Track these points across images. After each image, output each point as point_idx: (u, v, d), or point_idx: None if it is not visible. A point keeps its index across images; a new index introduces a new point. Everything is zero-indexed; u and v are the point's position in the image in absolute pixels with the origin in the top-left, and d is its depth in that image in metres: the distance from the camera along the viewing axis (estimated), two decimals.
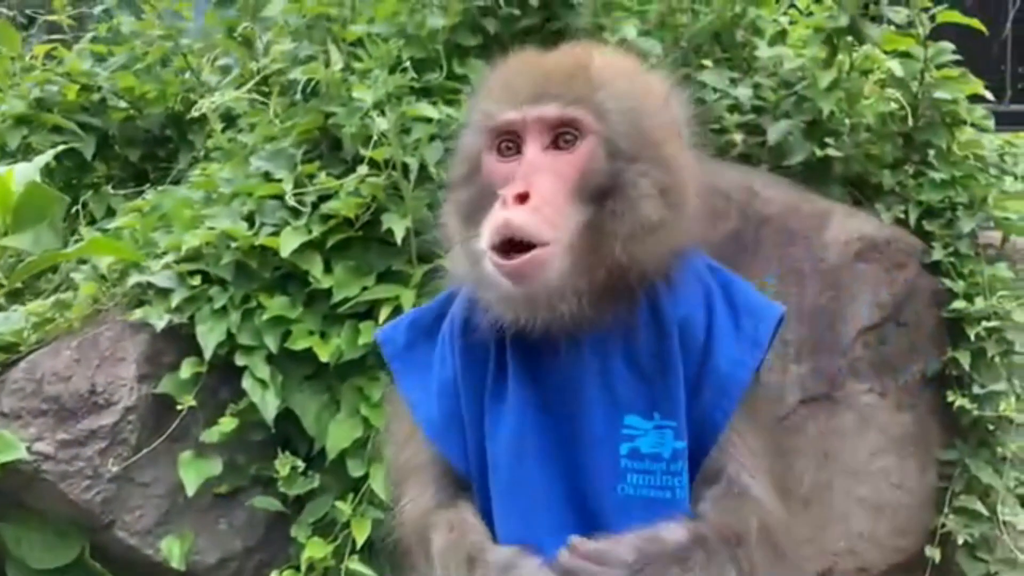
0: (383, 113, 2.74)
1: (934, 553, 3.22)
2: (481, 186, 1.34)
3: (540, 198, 1.25)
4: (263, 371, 2.72)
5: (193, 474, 2.69)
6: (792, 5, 3.85)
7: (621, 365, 1.35)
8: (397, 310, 2.72)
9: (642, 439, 1.33)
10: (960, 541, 3.17)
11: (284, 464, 2.68)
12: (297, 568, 2.69)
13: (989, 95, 3.38)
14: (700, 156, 1.46)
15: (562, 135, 1.31)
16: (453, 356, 1.42)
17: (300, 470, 2.71)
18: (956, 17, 3.33)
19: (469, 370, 1.40)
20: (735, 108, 3.50)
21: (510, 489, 1.36)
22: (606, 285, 1.31)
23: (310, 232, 2.79)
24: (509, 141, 1.33)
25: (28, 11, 4.83)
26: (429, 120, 2.83)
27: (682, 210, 1.35)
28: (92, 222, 3.52)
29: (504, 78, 1.39)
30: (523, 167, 1.29)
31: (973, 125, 3.46)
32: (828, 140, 3.44)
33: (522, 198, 1.25)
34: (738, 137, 3.43)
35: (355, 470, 2.72)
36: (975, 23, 3.37)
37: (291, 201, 2.84)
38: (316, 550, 2.65)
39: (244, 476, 2.83)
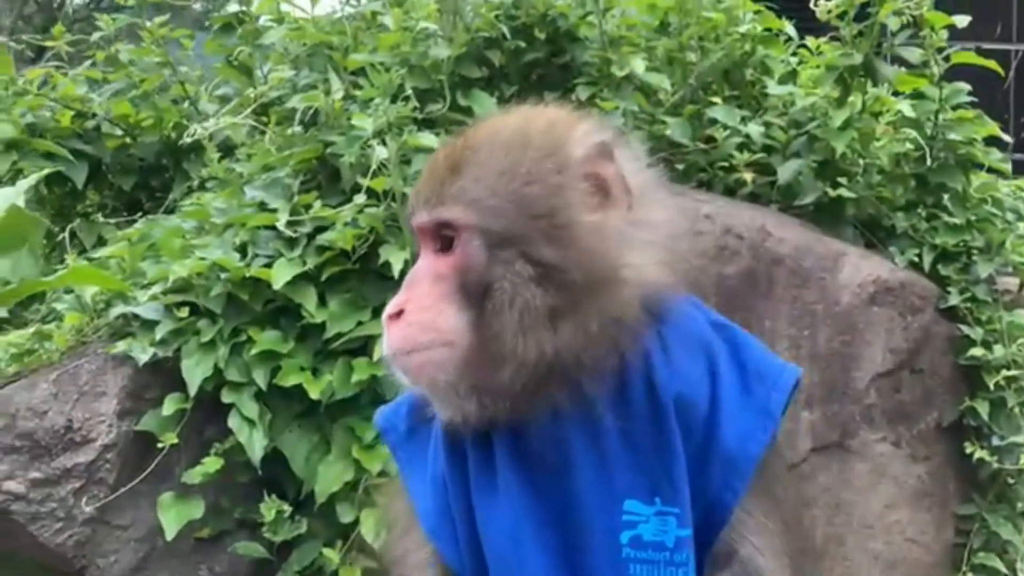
0: (383, 142, 2.64)
1: None
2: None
3: (416, 309, 1.23)
4: (251, 409, 2.59)
5: (173, 517, 2.55)
6: (802, 45, 3.80)
7: (616, 445, 1.24)
8: None
9: (644, 526, 1.23)
10: None
11: (270, 508, 2.54)
12: None
13: (1007, 137, 3.29)
14: (672, 199, 1.33)
15: (444, 237, 1.25)
16: (438, 450, 1.35)
17: (287, 514, 2.56)
18: (971, 58, 3.27)
19: (454, 463, 1.32)
20: (745, 147, 3.42)
21: None
22: (548, 370, 1.20)
23: (304, 264, 2.68)
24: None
25: (24, 37, 4.77)
26: (431, 150, 2.73)
27: (605, 275, 1.21)
28: (82, 251, 3.41)
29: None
30: (408, 276, 1.29)
31: (990, 169, 3.38)
32: (840, 180, 3.35)
33: (397, 315, 1.24)
34: (748, 176, 3.35)
35: (345, 515, 2.58)
36: (992, 64, 3.30)
37: (286, 232, 2.74)
38: None
39: (228, 520, 2.69)
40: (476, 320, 1.21)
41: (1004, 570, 3.05)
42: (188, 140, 3.10)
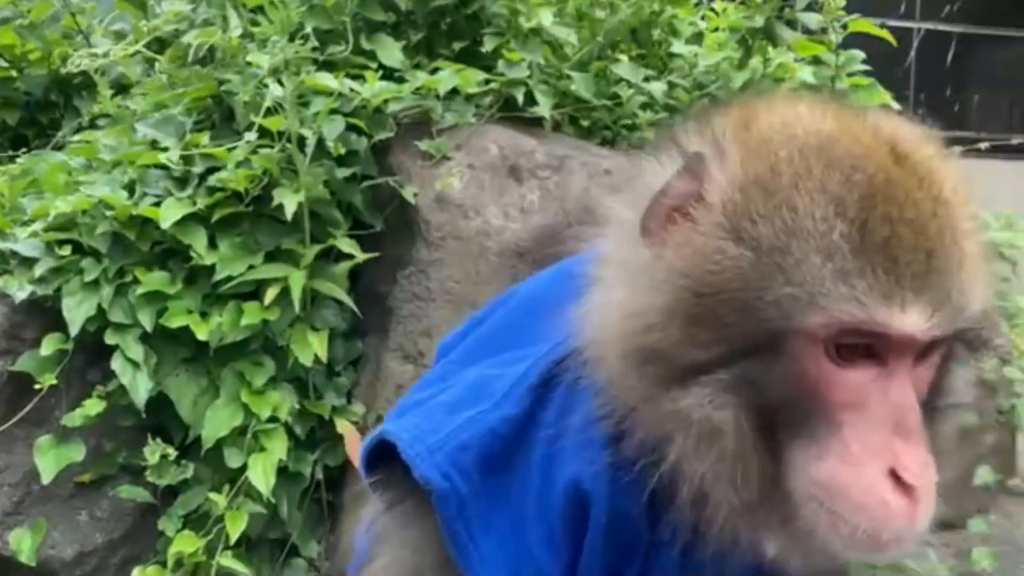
0: (280, 82, 2.57)
1: None
2: (792, 388, 0.88)
3: (928, 479, 0.87)
4: (135, 351, 2.52)
5: (51, 460, 2.47)
6: (711, 8, 3.85)
7: None
8: (285, 291, 2.56)
9: None
10: None
11: (153, 451, 2.49)
12: (163, 564, 2.49)
13: (896, 104, 3.41)
14: None
15: (926, 352, 0.91)
16: (568, 546, 1.03)
17: (171, 458, 2.51)
18: (867, 27, 3.36)
19: (607, 564, 1.03)
20: (648, 106, 3.46)
21: None
22: None
23: (195, 204, 2.60)
24: (860, 344, 0.87)
25: None
26: (329, 92, 2.68)
27: None
28: None
29: (875, 227, 0.86)
30: (906, 409, 0.87)
31: None
32: None
33: (900, 481, 0.85)
34: (650, 135, 3.40)
35: (233, 460, 2.54)
36: (885, 34, 3.40)
37: (176, 171, 2.65)
38: (185, 544, 2.46)
39: (111, 464, 2.62)
40: None
41: None
42: (74, 70, 2.96)
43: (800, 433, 0.87)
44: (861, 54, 3.38)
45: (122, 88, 3.34)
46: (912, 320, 0.84)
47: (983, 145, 4.67)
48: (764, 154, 0.89)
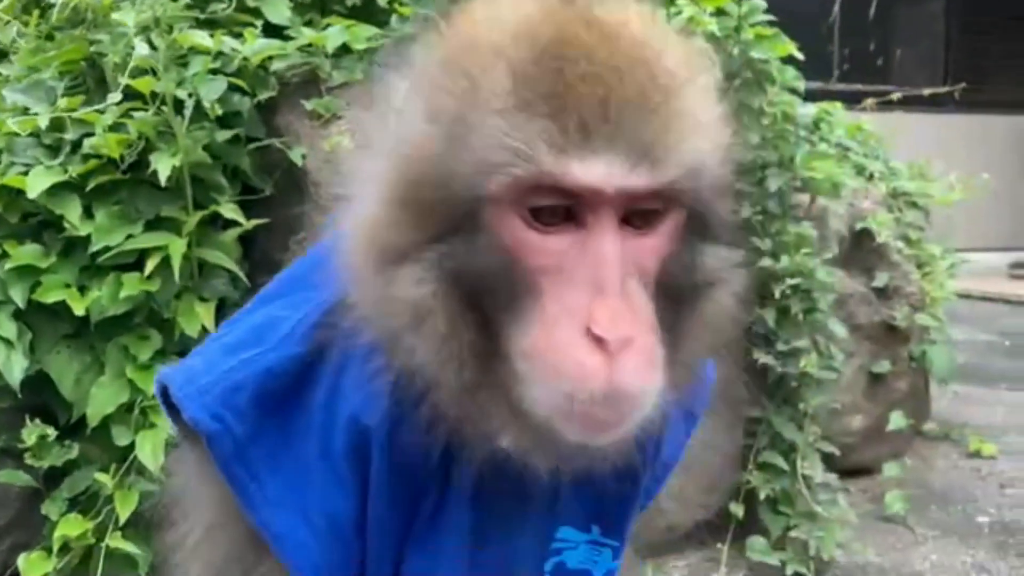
0: (149, 41, 2.45)
1: (738, 509, 3.25)
2: (495, 259, 0.85)
3: (644, 330, 0.82)
4: (8, 329, 2.39)
5: None
6: None
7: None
8: (166, 261, 2.46)
9: (571, 552, 1.09)
10: (762, 496, 3.21)
11: (31, 433, 2.37)
12: (49, 549, 2.40)
13: (799, 55, 3.40)
14: None
15: (640, 211, 0.86)
16: (355, 485, 1.00)
17: (51, 439, 2.40)
18: None
19: (389, 508, 1.00)
20: None
21: None
22: None
23: (67, 172, 2.47)
24: (557, 207, 0.85)
25: None
26: (207, 51, 2.56)
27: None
28: None
29: (541, 81, 0.83)
30: (604, 267, 0.82)
31: (787, 88, 3.49)
32: None
33: (628, 340, 0.81)
34: None
35: (120, 438, 2.44)
36: None
37: (47, 138, 2.52)
38: (71, 527, 2.37)
39: None
40: (668, 336, 0.87)
41: (786, 467, 3.25)
42: None
43: (509, 306, 0.84)
44: (762, 3, 3.35)
45: None
46: (594, 171, 0.80)
47: (895, 96, 4.74)
48: (461, 38, 0.89)
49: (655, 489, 1.18)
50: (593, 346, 0.79)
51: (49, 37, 2.87)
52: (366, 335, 0.92)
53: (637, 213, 0.85)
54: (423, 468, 0.97)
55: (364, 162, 0.94)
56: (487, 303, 0.85)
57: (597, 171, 0.80)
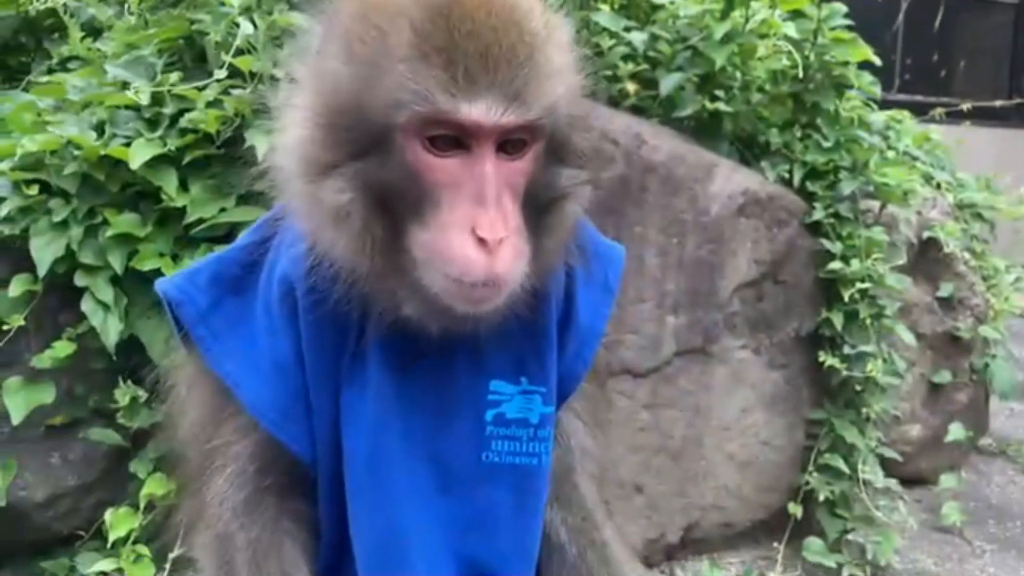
0: (252, 20, 2.53)
1: (796, 510, 3.26)
2: (401, 175, 1.06)
3: (513, 232, 1.06)
4: (106, 293, 2.49)
5: (21, 401, 2.45)
6: None
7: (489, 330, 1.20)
8: None
9: (507, 404, 1.25)
10: (821, 498, 3.22)
11: (124, 394, 2.47)
12: (135, 506, 2.49)
13: (878, 60, 3.39)
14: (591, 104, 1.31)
15: (511, 141, 1.08)
16: (290, 330, 1.21)
17: (142, 400, 2.50)
18: None
19: (318, 349, 1.20)
20: (630, 57, 3.43)
21: (371, 478, 1.20)
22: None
23: (165, 145, 2.56)
24: (449, 136, 1.06)
25: None
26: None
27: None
28: None
29: (435, 37, 1.05)
30: (485, 184, 1.05)
31: (861, 90, 3.49)
32: (719, 94, 3.40)
33: (502, 240, 1.05)
34: (632, 87, 3.37)
35: None
36: None
37: (147, 112, 2.61)
38: (156, 487, 2.46)
39: (82, 407, 2.61)
40: (532, 238, 1.11)
41: (846, 470, 3.25)
42: (39, 7, 2.88)
43: (411, 211, 1.07)
44: (843, 8, 3.35)
45: (93, 31, 3.28)
46: (477, 110, 1.03)
47: (965, 107, 4.69)
48: None
49: (587, 352, 1.33)
50: (476, 244, 1.04)
51: (148, 15, 2.97)
52: (298, 226, 1.17)
53: (509, 142, 1.08)
54: (342, 317, 1.18)
55: (293, 94, 1.15)
56: (394, 208, 1.08)
57: (479, 110, 1.03)
